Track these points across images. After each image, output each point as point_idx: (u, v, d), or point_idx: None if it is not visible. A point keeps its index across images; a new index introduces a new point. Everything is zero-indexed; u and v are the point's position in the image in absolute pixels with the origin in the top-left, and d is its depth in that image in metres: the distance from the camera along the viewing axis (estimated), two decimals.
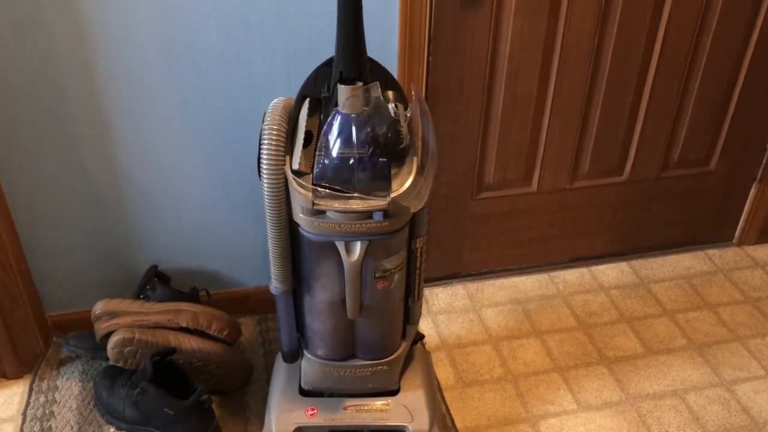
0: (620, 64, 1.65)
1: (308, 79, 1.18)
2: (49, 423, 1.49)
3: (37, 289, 1.60)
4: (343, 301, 1.22)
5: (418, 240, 1.24)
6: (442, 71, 1.55)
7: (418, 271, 1.28)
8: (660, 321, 1.78)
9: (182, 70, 1.41)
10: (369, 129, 1.06)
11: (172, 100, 1.44)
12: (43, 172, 1.47)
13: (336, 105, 1.09)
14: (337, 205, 1.09)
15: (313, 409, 1.38)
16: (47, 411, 1.51)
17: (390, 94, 1.17)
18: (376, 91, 1.09)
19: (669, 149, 1.83)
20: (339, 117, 1.07)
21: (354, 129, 1.06)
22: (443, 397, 1.57)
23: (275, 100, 1.14)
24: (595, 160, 1.78)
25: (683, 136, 1.82)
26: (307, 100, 1.18)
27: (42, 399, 1.54)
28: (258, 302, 1.73)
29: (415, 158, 1.12)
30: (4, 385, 1.58)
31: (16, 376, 1.59)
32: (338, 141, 1.07)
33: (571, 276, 1.92)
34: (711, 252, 2.01)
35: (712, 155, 1.88)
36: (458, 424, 1.51)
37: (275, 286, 1.24)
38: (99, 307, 1.50)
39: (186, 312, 1.51)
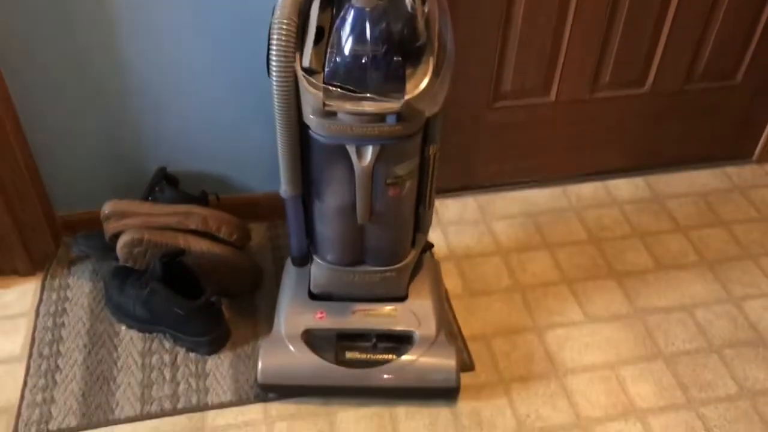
0: None
1: None
2: (62, 319, 1.51)
3: (46, 189, 1.60)
4: (354, 206, 1.20)
5: (431, 147, 1.20)
6: None
7: (430, 180, 1.26)
8: (672, 237, 1.77)
9: None
10: (384, 25, 1.01)
11: None
12: (47, 71, 1.43)
13: None
14: (349, 106, 1.06)
15: (321, 313, 1.39)
16: (60, 308, 1.54)
17: None
18: None
19: (694, 60, 1.76)
20: (352, 11, 1.01)
21: (368, 24, 1.01)
22: (450, 306, 1.58)
23: None
24: (617, 70, 1.72)
25: (710, 46, 1.74)
26: None
27: (54, 296, 1.56)
28: (268, 208, 1.72)
29: (431, 58, 1.07)
30: (17, 282, 1.60)
31: (29, 273, 1.60)
32: (351, 37, 1.02)
33: (585, 190, 1.89)
34: (729, 169, 1.97)
35: (739, 68, 1.81)
36: (464, 332, 1.52)
37: (285, 189, 1.22)
38: (108, 208, 1.49)
39: (195, 214, 1.50)
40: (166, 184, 1.56)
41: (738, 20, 1.70)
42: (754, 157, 2.00)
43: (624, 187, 1.91)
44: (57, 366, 1.43)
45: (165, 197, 1.55)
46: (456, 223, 1.79)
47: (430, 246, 1.49)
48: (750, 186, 1.92)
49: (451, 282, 1.64)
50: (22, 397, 1.38)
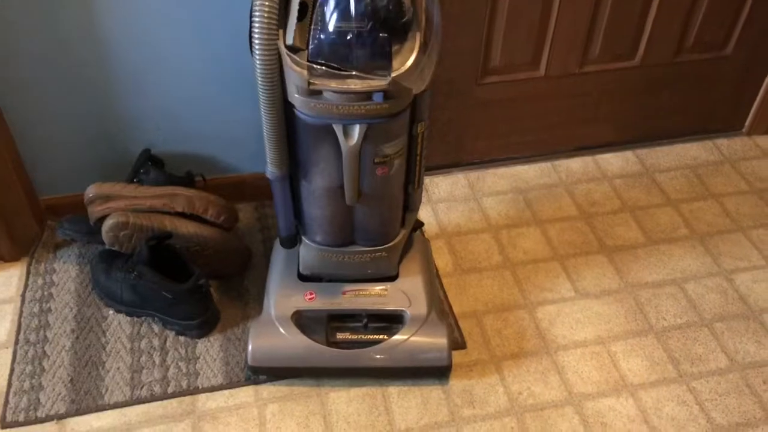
0: None
1: None
2: (48, 304, 1.49)
3: (28, 174, 1.57)
4: (342, 187, 1.19)
5: (419, 125, 1.18)
6: None
7: (418, 158, 1.24)
8: (663, 211, 1.76)
9: None
10: (369, 0, 0.98)
11: None
12: (26, 53, 1.39)
13: None
14: (334, 84, 1.03)
15: (311, 294, 1.38)
16: (46, 293, 1.52)
17: None
18: None
19: (685, 32, 1.74)
20: None
21: (352, 0, 0.98)
22: (441, 284, 1.57)
23: None
24: (606, 43, 1.69)
25: (701, 17, 1.72)
26: None
27: (40, 281, 1.54)
28: (255, 188, 1.70)
29: (418, 34, 1.04)
30: (1, 267, 1.57)
31: (13, 258, 1.58)
32: (335, 13, 0.99)
33: (575, 165, 1.88)
34: (719, 142, 1.96)
35: (729, 39, 1.79)
36: (456, 310, 1.52)
37: (271, 170, 1.20)
38: (92, 191, 1.47)
39: (181, 196, 1.48)
40: (151, 166, 1.54)
41: None
42: (745, 129, 1.99)
43: (614, 161, 1.89)
44: (44, 352, 1.41)
45: (150, 179, 1.52)
46: (446, 200, 1.78)
47: (420, 224, 1.48)
48: (740, 158, 1.91)
49: (442, 260, 1.63)
50: (10, 384, 1.36)
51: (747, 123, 1.97)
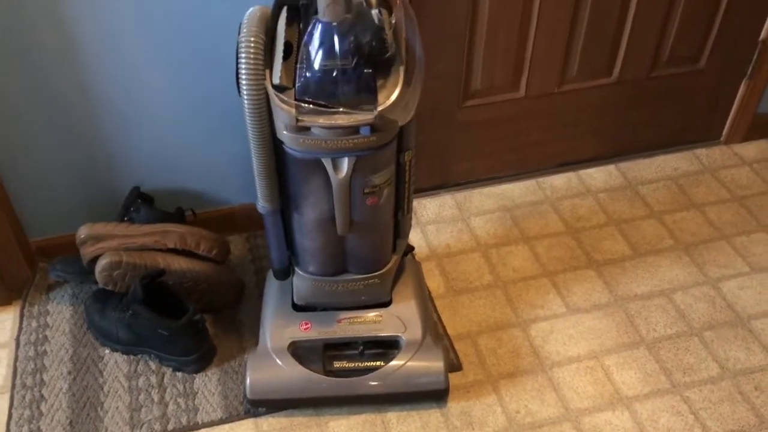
0: None
1: None
2: (43, 347, 1.49)
3: (17, 216, 1.57)
4: (333, 218, 1.21)
5: (406, 153, 1.21)
6: None
7: (407, 185, 1.26)
8: (647, 222, 1.79)
9: None
10: (352, 38, 1.01)
11: (140, 12, 1.35)
12: (11, 99, 1.40)
13: (316, 13, 1.02)
14: (322, 120, 1.05)
15: (307, 324, 1.39)
16: (41, 335, 1.51)
17: None
18: None
19: (659, 47, 1.78)
20: (320, 26, 1.01)
21: (336, 38, 1.00)
22: (434, 306, 1.58)
23: (251, 10, 1.07)
24: (583, 62, 1.73)
25: (674, 32, 1.76)
26: (285, 8, 1.11)
27: (34, 324, 1.54)
28: (245, 219, 1.71)
29: (401, 68, 1.07)
30: None
31: (5, 302, 1.58)
32: (320, 52, 1.01)
33: (559, 181, 1.91)
34: (699, 151, 2.00)
35: (702, 52, 1.83)
36: (450, 332, 1.53)
37: (262, 205, 1.22)
38: (83, 231, 1.47)
39: (173, 233, 1.49)
40: (141, 204, 1.55)
41: (699, 5, 1.72)
42: (722, 138, 2.03)
43: (597, 175, 1.93)
44: (42, 396, 1.41)
45: (141, 217, 1.53)
46: (434, 222, 1.80)
47: (411, 249, 1.50)
48: (720, 167, 1.95)
49: (434, 282, 1.64)
50: (8, 430, 1.36)
51: (724, 132, 2.02)
